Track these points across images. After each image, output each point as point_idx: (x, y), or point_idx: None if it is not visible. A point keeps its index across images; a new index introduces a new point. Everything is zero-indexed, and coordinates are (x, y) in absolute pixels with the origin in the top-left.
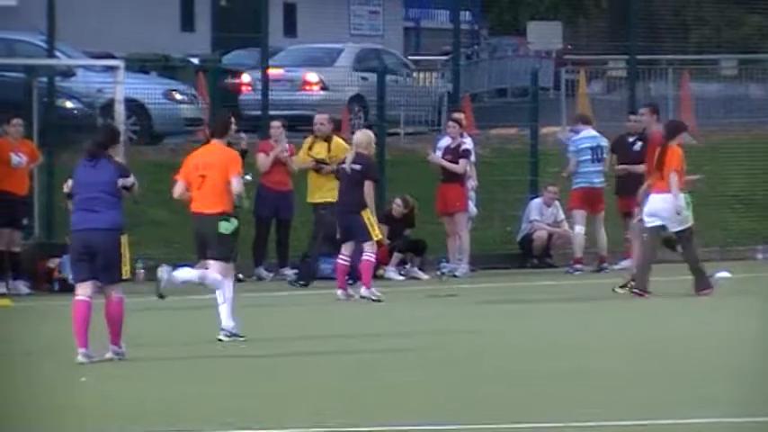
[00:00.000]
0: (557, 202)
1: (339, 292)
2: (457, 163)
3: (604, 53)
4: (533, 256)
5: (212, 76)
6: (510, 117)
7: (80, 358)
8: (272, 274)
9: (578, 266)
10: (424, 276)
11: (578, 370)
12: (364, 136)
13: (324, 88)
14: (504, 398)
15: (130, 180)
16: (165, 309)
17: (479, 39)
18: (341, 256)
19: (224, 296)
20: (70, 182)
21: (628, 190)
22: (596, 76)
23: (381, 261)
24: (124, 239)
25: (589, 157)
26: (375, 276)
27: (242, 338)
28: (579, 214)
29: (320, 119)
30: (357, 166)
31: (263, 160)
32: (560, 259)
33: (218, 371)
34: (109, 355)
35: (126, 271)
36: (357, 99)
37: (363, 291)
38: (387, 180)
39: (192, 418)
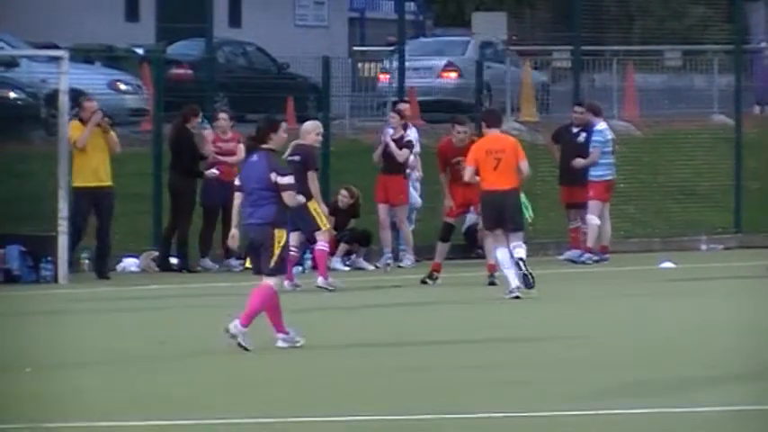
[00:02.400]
0: None
1: (286, 282)
2: None
3: (549, 44)
4: (478, 246)
5: (157, 66)
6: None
7: (280, 343)
8: (217, 266)
9: (588, 256)
10: (370, 267)
11: (526, 357)
12: (304, 126)
13: (461, 75)
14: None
15: (284, 180)
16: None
17: (425, 29)
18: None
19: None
20: None
21: (571, 180)
22: (541, 66)
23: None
24: (278, 233)
25: (610, 149)
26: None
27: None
28: (600, 206)
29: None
30: (296, 157)
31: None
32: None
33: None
34: (280, 343)
35: (276, 263)
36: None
37: (320, 281)
38: (331, 171)
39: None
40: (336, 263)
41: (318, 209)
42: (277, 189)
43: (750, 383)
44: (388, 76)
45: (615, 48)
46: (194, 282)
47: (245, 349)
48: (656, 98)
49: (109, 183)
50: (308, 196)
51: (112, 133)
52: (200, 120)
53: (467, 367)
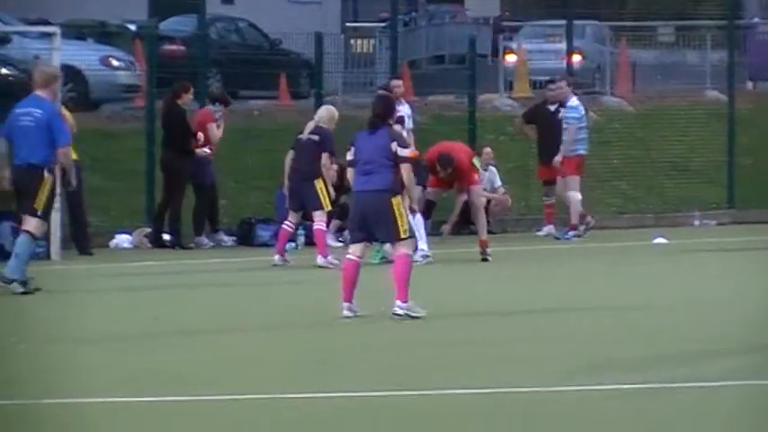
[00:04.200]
0: (493, 168)
1: (276, 257)
2: None
3: (542, 20)
4: (471, 222)
5: (149, 42)
6: (448, 84)
7: (345, 312)
8: (211, 243)
9: (573, 233)
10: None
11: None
12: (327, 111)
13: (584, 57)
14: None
15: (405, 152)
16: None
17: (417, 6)
18: (287, 222)
19: None
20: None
21: (549, 158)
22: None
23: None
24: (395, 200)
25: (585, 123)
26: (313, 243)
27: None
28: (578, 180)
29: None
30: (315, 137)
31: (215, 131)
32: (497, 225)
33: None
34: (398, 311)
35: (404, 231)
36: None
37: (319, 260)
38: None
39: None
40: (329, 239)
41: (324, 188)
42: (395, 159)
43: (746, 357)
44: (515, 57)
45: (608, 23)
46: (187, 258)
47: (418, 318)
48: (648, 74)
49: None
50: (317, 175)
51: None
52: (191, 96)
53: (461, 343)
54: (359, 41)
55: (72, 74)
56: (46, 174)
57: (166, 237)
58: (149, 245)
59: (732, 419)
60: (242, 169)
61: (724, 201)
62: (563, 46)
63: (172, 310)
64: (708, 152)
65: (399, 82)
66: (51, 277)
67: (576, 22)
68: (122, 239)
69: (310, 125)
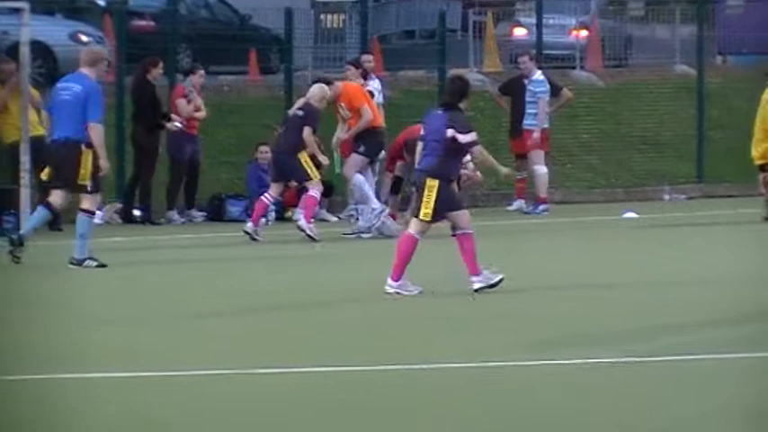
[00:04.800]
0: None
1: (249, 224)
2: None
3: None
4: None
5: (118, 18)
6: (418, 59)
7: (387, 288)
8: (182, 219)
9: (543, 206)
10: (333, 218)
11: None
12: (319, 90)
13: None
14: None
15: (467, 138)
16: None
17: None
18: (266, 195)
19: None
20: None
21: (521, 132)
22: (504, 17)
23: (290, 204)
24: (430, 182)
25: (548, 98)
26: (284, 219)
27: None
28: (542, 155)
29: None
30: (300, 112)
31: (185, 106)
32: (468, 200)
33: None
34: (475, 285)
35: (426, 214)
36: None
37: (303, 223)
38: None
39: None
40: (300, 214)
41: (308, 160)
42: (448, 145)
43: (715, 331)
44: (524, 31)
45: None
46: (156, 234)
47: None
48: (619, 48)
49: (40, 132)
50: (300, 148)
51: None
52: (161, 71)
53: (433, 318)
54: (329, 16)
55: (41, 50)
56: (83, 148)
57: (137, 212)
58: (120, 220)
59: (704, 391)
60: (212, 145)
61: (694, 175)
62: (569, 21)
63: (139, 285)
64: (677, 126)
65: (370, 57)
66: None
67: None
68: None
69: (300, 101)
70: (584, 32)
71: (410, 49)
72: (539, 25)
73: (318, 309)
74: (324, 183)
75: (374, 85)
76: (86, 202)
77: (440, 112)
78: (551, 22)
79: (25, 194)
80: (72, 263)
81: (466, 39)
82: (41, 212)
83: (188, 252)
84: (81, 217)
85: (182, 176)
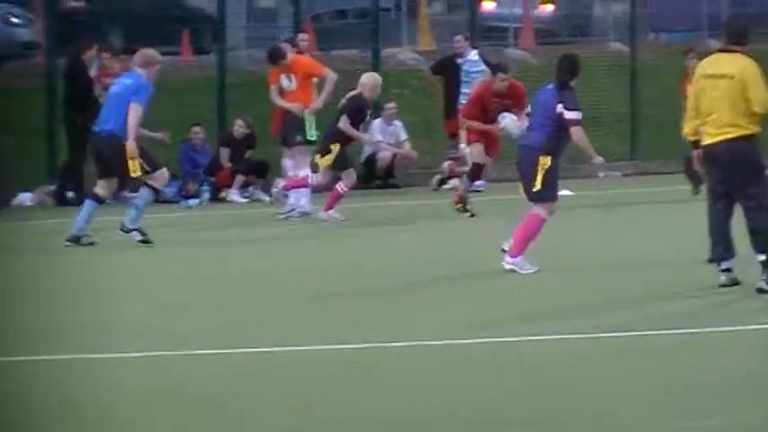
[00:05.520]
0: (397, 122)
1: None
2: None
3: None
4: (377, 177)
5: None
6: (351, 38)
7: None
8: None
9: (481, 182)
10: (268, 199)
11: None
12: (370, 79)
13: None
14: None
15: (568, 114)
16: None
17: None
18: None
19: None
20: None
21: (455, 111)
22: None
23: (224, 184)
24: (543, 159)
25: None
26: (218, 200)
27: None
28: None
29: None
30: (345, 102)
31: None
32: (404, 179)
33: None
34: (507, 266)
35: (540, 188)
36: None
37: (322, 214)
38: (228, 102)
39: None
40: (234, 195)
41: (336, 150)
42: (557, 120)
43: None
44: (493, 5)
45: None
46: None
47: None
48: (554, 25)
49: None
50: (339, 137)
51: None
52: (94, 53)
53: (378, 296)
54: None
55: None
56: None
57: (70, 194)
58: (52, 202)
59: (617, 368)
60: (145, 125)
61: (628, 152)
62: None
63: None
64: (611, 104)
65: (305, 36)
66: None
67: None
68: (25, 197)
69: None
70: (550, 6)
71: (343, 29)
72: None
73: (254, 287)
74: (258, 163)
75: None
76: (156, 181)
77: (551, 87)
78: None
79: None
80: (123, 230)
81: (399, 17)
82: (145, 196)
83: (117, 233)
84: (144, 191)
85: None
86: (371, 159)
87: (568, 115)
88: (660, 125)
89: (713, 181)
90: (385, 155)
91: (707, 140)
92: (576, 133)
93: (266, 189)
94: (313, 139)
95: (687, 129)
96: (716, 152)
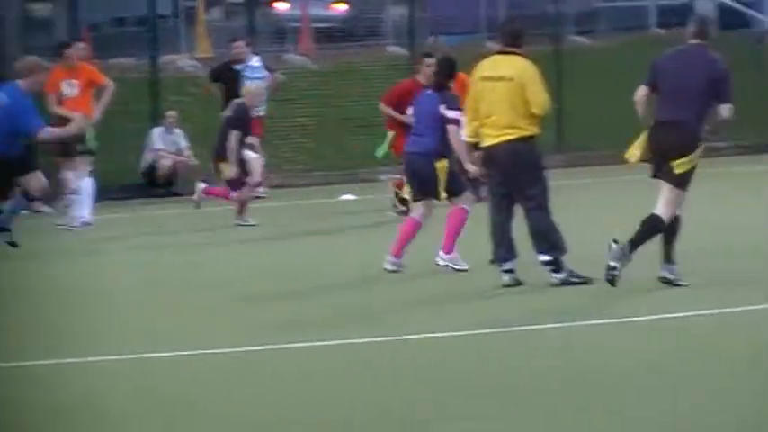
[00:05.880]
0: (178, 130)
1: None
2: None
3: None
4: (158, 185)
5: None
6: (130, 46)
7: (387, 266)
8: None
9: (263, 189)
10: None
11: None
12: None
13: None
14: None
15: (450, 113)
16: None
17: None
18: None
19: None
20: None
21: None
22: (215, 2)
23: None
24: (439, 164)
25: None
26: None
27: None
28: (257, 140)
29: None
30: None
31: None
32: (185, 187)
33: None
34: (441, 261)
35: (439, 193)
36: None
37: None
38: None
39: None
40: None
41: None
42: (444, 122)
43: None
44: (287, 5)
45: None
46: None
47: (463, 270)
48: (333, 30)
49: None
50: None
51: None
52: None
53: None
54: (36, 5)
55: None
56: None
57: None
58: None
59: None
60: None
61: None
62: None
63: None
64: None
65: (82, 44)
66: None
67: None
68: None
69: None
70: (342, 6)
71: (121, 37)
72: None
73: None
74: None
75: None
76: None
77: (430, 92)
78: None
79: None
80: None
81: (178, 24)
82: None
83: None
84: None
85: None
86: (151, 168)
87: (449, 114)
88: None
89: (493, 183)
90: (165, 163)
91: (486, 142)
92: (452, 132)
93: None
94: (93, 149)
95: (466, 131)
96: (495, 154)
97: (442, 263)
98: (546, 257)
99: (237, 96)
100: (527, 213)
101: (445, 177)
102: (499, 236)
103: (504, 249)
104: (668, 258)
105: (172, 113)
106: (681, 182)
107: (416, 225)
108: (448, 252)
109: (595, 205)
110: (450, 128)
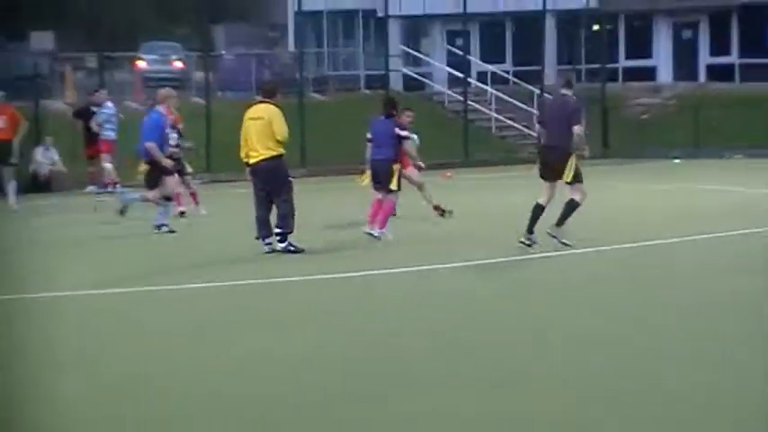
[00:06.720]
0: (53, 149)
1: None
2: None
3: (83, 51)
4: (39, 186)
5: None
6: (22, 95)
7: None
8: None
9: (120, 189)
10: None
11: None
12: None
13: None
14: None
15: (404, 133)
16: None
17: None
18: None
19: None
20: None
21: (91, 143)
22: (79, 67)
23: None
24: (395, 167)
25: (113, 120)
26: None
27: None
28: (108, 156)
29: None
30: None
31: None
32: (58, 186)
33: None
34: (370, 231)
35: (394, 184)
36: None
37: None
38: None
39: None
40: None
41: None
42: (397, 139)
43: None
44: (145, 63)
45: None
46: None
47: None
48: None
49: None
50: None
51: None
52: None
53: None
54: None
55: None
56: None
57: None
58: None
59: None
60: None
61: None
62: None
63: None
64: None
65: (2, 93)
66: None
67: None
68: None
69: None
70: (179, 63)
71: (19, 87)
72: None
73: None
74: None
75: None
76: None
77: (383, 118)
78: (156, 56)
79: None
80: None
81: (54, 80)
82: None
83: None
84: None
85: None
86: (35, 175)
87: (404, 134)
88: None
89: (258, 186)
90: (43, 171)
91: (253, 160)
92: (407, 145)
93: None
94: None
95: (242, 154)
96: (259, 168)
97: (376, 234)
98: (279, 231)
99: (90, 128)
100: (277, 204)
101: (397, 177)
102: (261, 220)
103: (265, 230)
104: (530, 230)
105: (49, 138)
106: (576, 180)
107: (379, 204)
108: (381, 228)
109: (323, 201)
110: (406, 142)
